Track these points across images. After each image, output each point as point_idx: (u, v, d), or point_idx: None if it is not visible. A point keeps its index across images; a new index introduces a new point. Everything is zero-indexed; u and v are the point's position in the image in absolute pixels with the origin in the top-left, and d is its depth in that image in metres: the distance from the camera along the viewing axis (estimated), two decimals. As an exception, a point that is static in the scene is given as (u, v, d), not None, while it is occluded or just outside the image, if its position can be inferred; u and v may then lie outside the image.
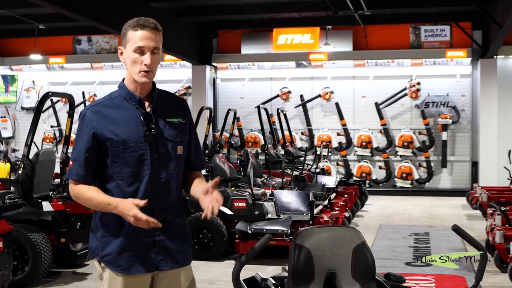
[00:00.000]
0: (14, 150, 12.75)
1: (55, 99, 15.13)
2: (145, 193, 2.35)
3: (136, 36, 2.34)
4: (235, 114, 12.14)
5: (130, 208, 2.22)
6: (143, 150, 2.35)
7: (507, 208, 7.38)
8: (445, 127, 13.63)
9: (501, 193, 9.89)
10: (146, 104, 2.42)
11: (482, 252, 2.52)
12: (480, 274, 2.48)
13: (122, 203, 2.25)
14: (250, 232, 6.44)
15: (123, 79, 2.46)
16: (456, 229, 2.57)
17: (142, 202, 2.22)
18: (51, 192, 6.28)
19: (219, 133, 12.56)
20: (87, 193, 2.35)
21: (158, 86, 2.49)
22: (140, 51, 2.34)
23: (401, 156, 14.00)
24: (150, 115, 2.37)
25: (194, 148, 2.53)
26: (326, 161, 13.63)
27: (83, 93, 15.08)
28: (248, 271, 2.79)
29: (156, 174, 2.36)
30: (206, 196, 2.30)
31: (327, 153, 13.38)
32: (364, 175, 13.89)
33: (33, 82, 15.81)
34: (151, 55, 2.35)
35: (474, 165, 13.71)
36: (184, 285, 2.45)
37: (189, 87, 14.74)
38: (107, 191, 2.37)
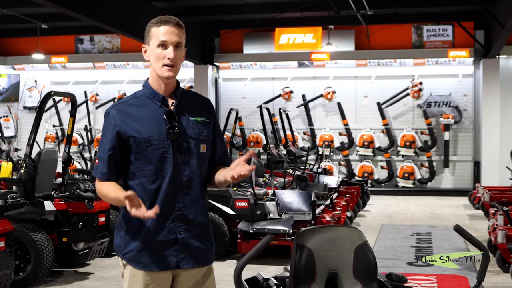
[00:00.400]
0: (16, 150, 12.78)
1: (57, 98, 15.16)
2: (168, 191, 2.36)
3: (159, 32, 2.38)
4: (237, 113, 12.13)
5: (125, 203, 2.22)
6: (165, 148, 2.36)
7: (509, 208, 7.37)
8: (447, 127, 13.62)
9: (503, 193, 9.88)
10: (170, 102, 2.43)
11: (483, 252, 2.52)
12: (482, 274, 2.48)
13: (122, 196, 2.24)
14: (252, 232, 6.44)
15: (148, 78, 2.48)
16: (458, 229, 2.57)
17: (127, 194, 2.20)
18: (53, 192, 6.29)
19: (221, 132, 12.57)
20: (105, 189, 2.38)
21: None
22: (164, 45, 2.37)
23: (403, 156, 13.99)
24: (173, 113, 2.39)
25: (220, 147, 2.54)
26: (328, 161, 13.62)
27: (85, 92, 15.09)
28: (249, 271, 2.79)
29: (179, 171, 2.37)
30: (237, 167, 2.30)
31: (329, 153, 13.38)
32: (366, 175, 13.88)
33: (36, 81, 15.84)
34: (174, 50, 2.37)
35: (476, 165, 13.69)
36: (205, 284, 2.46)
37: (191, 87, 14.74)
38: (130, 188, 2.40)
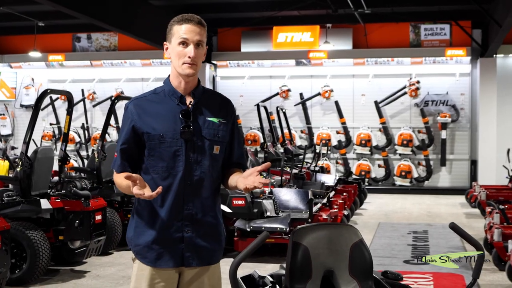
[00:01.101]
0: (13, 148, 12.77)
1: (54, 96, 15.13)
2: (178, 189, 2.37)
3: (181, 30, 2.38)
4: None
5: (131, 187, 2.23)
6: (178, 146, 2.37)
7: (506, 206, 7.38)
8: (444, 126, 13.64)
9: (500, 192, 9.90)
10: (188, 100, 2.43)
11: (479, 250, 2.52)
12: (477, 272, 2.48)
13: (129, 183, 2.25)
14: (248, 230, 6.44)
15: (169, 76, 2.49)
16: (453, 227, 2.57)
17: (129, 174, 2.22)
18: (50, 190, 6.27)
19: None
20: (119, 180, 2.39)
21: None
22: (185, 43, 2.38)
23: (400, 154, 14.01)
24: (189, 112, 2.39)
25: (237, 149, 2.53)
26: (326, 159, 13.63)
27: (82, 90, 15.07)
28: (246, 269, 2.79)
29: (190, 171, 2.38)
30: (250, 176, 2.29)
31: (326, 151, 13.39)
32: (363, 173, 13.90)
33: (32, 79, 15.80)
34: (195, 48, 2.37)
35: (473, 163, 13.71)
36: (210, 283, 2.46)
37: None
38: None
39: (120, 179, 2.37)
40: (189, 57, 2.36)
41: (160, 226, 2.39)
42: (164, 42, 2.47)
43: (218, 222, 2.50)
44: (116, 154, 2.45)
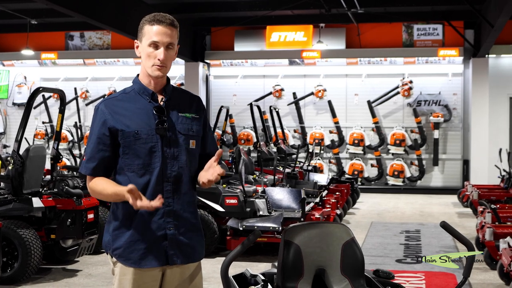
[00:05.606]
0: (5, 146, 12.70)
1: (47, 95, 15.06)
2: (156, 186, 2.36)
3: (152, 31, 2.37)
4: (227, 111, 12.11)
5: (127, 197, 2.20)
6: (154, 142, 2.37)
7: (498, 206, 7.43)
8: (437, 126, 13.70)
9: (492, 191, 9.97)
10: (160, 98, 2.44)
11: (469, 248, 2.54)
12: (468, 271, 2.50)
13: (124, 191, 2.21)
14: (241, 229, 6.44)
15: (138, 74, 2.49)
16: (444, 225, 2.59)
17: (129, 187, 2.19)
18: (42, 188, 6.25)
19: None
20: (100, 186, 2.35)
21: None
22: (155, 45, 2.37)
23: (393, 154, 14.05)
24: (163, 108, 2.40)
25: (211, 142, 2.55)
26: (318, 159, 13.65)
27: (75, 89, 15.01)
28: (238, 267, 2.79)
29: (167, 166, 2.38)
30: (210, 169, 2.32)
31: (319, 151, 13.41)
32: (356, 172, 13.93)
33: (25, 77, 15.72)
34: (165, 50, 2.37)
35: (466, 163, 13.78)
36: (192, 281, 2.46)
37: (182, 84, 14.71)
38: (118, 183, 2.39)
39: (102, 186, 2.33)
40: (158, 59, 2.36)
41: (140, 225, 2.36)
42: (135, 40, 2.47)
43: (197, 218, 2.50)
44: (85, 157, 2.40)
